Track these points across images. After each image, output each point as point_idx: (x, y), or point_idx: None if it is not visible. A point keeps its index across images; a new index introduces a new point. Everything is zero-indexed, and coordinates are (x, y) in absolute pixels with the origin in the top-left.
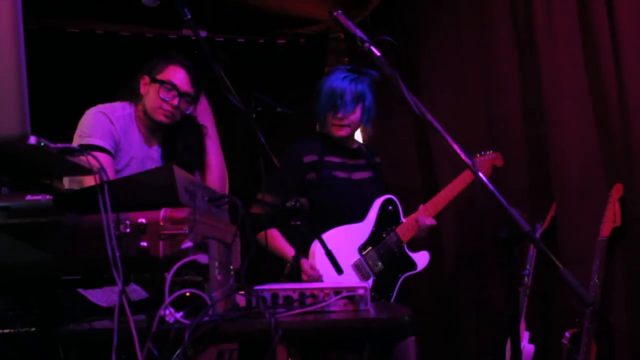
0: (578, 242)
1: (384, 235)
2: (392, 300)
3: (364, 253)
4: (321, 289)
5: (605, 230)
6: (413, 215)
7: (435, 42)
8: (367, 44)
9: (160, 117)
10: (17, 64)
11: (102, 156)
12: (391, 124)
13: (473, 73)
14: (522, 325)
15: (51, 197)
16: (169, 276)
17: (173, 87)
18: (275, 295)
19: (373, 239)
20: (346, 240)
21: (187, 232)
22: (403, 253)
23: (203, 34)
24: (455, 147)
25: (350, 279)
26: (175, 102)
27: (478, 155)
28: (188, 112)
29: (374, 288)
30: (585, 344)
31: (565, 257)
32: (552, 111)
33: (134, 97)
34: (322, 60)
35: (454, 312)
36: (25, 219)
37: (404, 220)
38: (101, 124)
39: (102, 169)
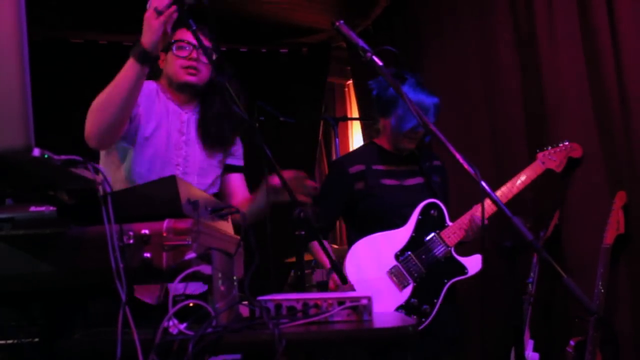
0: (582, 250)
1: (426, 240)
2: (437, 307)
3: (401, 259)
4: (324, 299)
5: (609, 238)
6: (463, 217)
7: (437, 49)
8: (369, 54)
9: (186, 77)
10: (22, 77)
11: None
12: None
13: (475, 81)
14: (527, 333)
15: (55, 209)
16: (172, 287)
17: (186, 42)
18: (278, 306)
19: (412, 244)
20: (382, 247)
21: (190, 243)
22: (450, 257)
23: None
24: (458, 156)
25: (386, 286)
26: (194, 54)
27: (549, 147)
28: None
29: (415, 294)
30: (590, 352)
31: (569, 264)
32: (554, 119)
33: (155, 74)
34: (325, 68)
35: (458, 321)
36: (29, 230)
37: (450, 224)
38: None
39: (105, 180)
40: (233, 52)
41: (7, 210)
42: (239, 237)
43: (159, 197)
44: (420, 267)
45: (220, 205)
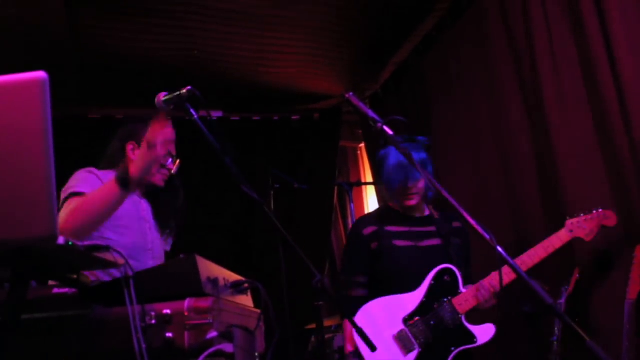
0: (606, 305)
1: (436, 306)
2: None
3: (409, 323)
4: None
5: (632, 293)
6: (477, 284)
7: (446, 111)
8: (379, 124)
9: (159, 182)
10: (47, 171)
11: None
12: None
13: (486, 143)
14: None
15: (77, 290)
16: None
17: (169, 152)
18: None
19: (422, 309)
20: (390, 310)
21: (211, 321)
22: (459, 325)
23: (219, 113)
24: (472, 222)
25: (391, 351)
26: (172, 165)
27: (581, 214)
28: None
29: None
30: None
31: (593, 320)
32: (567, 177)
33: (116, 164)
34: (337, 133)
35: None
36: (52, 312)
37: (463, 290)
38: (89, 179)
39: (127, 263)
40: (246, 120)
41: (31, 292)
42: (259, 311)
43: (180, 276)
44: (428, 333)
45: (240, 280)
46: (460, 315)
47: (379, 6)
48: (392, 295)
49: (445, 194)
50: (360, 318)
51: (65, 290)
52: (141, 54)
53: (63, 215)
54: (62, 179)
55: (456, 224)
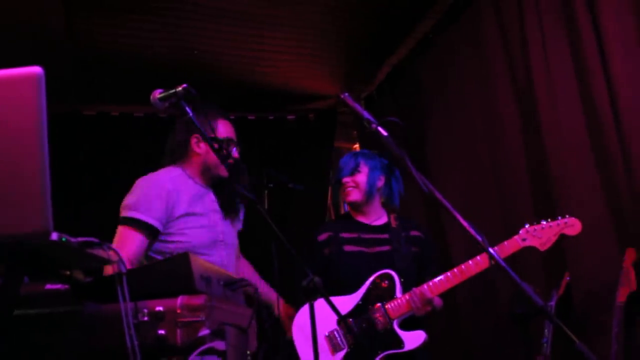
0: (595, 307)
1: (369, 309)
2: None
3: (342, 324)
4: None
5: (621, 296)
6: (410, 291)
7: (440, 110)
8: (374, 125)
9: (224, 172)
10: (42, 166)
11: (138, 235)
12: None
13: (480, 139)
14: None
15: (69, 287)
16: None
17: (231, 141)
18: None
19: (356, 311)
20: (326, 311)
21: (204, 319)
22: (389, 330)
23: None
24: (465, 224)
25: (320, 349)
26: (237, 154)
27: (543, 221)
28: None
29: None
30: None
31: (583, 322)
32: (559, 179)
33: (180, 157)
34: (331, 133)
35: None
36: (44, 309)
37: (398, 296)
38: (158, 201)
39: (120, 260)
40: (241, 119)
41: (23, 288)
42: (251, 310)
43: (173, 274)
44: (357, 334)
45: (233, 279)
46: (392, 320)
47: (375, 8)
48: (335, 296)
49: (438, 195)
50: (299, 317)
51: (58, 286)
52: (137, 51)
53: (116, 246)
54: (57, 175)
55: (414, 233)
